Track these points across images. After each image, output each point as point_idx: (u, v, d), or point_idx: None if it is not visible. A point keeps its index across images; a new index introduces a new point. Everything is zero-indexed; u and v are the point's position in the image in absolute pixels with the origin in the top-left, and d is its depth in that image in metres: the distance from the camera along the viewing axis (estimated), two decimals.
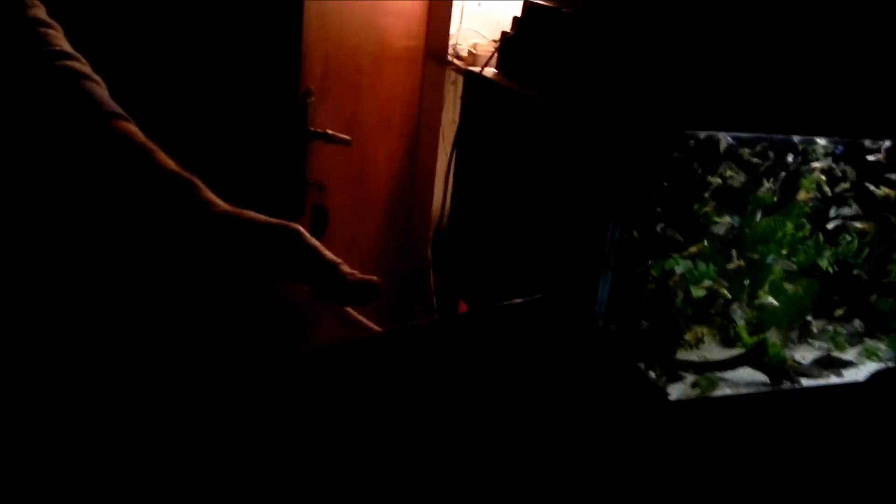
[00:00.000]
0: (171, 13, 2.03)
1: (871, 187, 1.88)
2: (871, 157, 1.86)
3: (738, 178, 1.77)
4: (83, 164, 0.80)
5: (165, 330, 0.80)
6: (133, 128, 0.86)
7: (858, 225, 1.91)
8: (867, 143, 1.88)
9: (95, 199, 0.80)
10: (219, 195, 0.95)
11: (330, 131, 2.39)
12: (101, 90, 0.88)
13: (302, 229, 0.80)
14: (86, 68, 0.88)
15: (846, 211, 1.90)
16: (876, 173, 1.91)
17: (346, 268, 0.79)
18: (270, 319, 0.79)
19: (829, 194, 1.90)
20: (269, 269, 0.78)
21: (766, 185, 1.84)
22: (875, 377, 1.30)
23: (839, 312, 2.01)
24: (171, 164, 0.84)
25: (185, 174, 0.83)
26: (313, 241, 0.80)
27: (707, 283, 1.81)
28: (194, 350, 0.78)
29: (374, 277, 0.78)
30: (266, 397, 0.69)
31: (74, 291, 0.89)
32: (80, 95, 0.84)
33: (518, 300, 0.88)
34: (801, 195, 1.88)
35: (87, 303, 0.88)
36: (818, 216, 1.92)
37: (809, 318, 1.98)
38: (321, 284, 0.78)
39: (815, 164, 1.85)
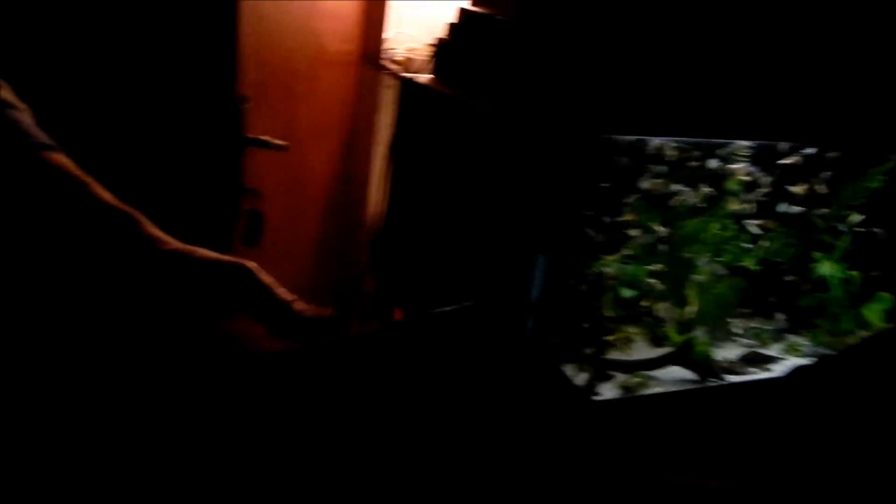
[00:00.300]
0: (100, 20, 2.01)
1: (791, 187, 1.94)
2: (787, 161, 1.93)
3: (664, 182, 1.82)
4: (16, 199, 0.77)
5: (108, 361, 0.79)
6: (65, 159, 0.82)
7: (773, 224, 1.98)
8: (786, 145, 1.95)
9: (31, 235, 0.78)
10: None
11: (265, 137, 2.38)
12: (28, 118, 0.84)
13: (256, 267, 0.79)
14: (9, 95, 0.85)
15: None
16: (796, 175, 1.98)
17: (300, 304, 0.78)
18: (221, 357, 0.79)
19: (751, 196, 1.96)
20: (221, 308, 0.77)
21: (692, 187, 1.89)
22: (795, 373, 1.35)
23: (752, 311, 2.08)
24: (109, 197, 0.81)
25: (126, 208, 0.81)
26: (268, 278, 0.79)
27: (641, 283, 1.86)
28: (139, 381, 0.78)
29: (329, 310, 0.78)
30: (209, 400, 0.70)
31: (14, 324, 0.86)
32: (6, 127, 0.81)
33: (449, 308, 0.90)
34: (729, 198, 1.94)
35: (29, 335, 0.86)
36: (742, 217, 1.98)
37: (734, 316, 2.04)
38: (275, 322, 0.77)
39: (739, 167, 1.91)
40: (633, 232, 1.83)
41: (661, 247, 1.92)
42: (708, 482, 1.28)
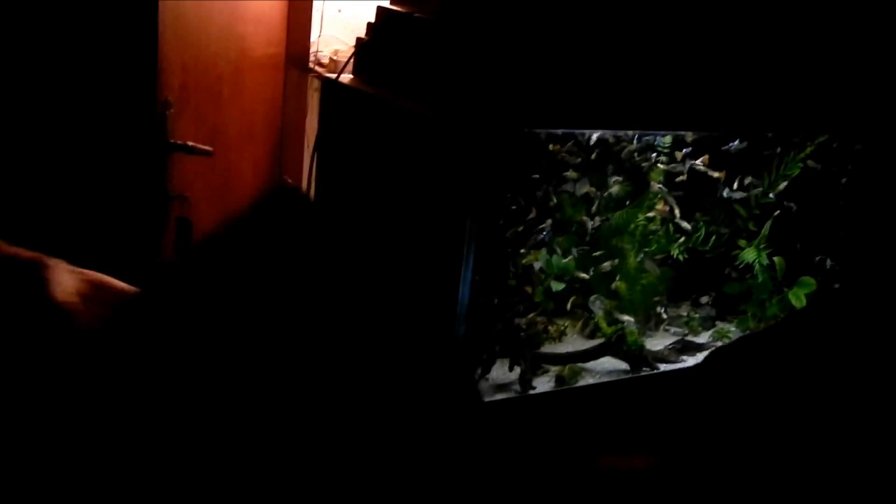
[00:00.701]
0: (16, 21, 1.96)
1: (703, 167, 1.97)
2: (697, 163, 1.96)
3: (588, 175, 1.83)
4: None
5: None
6: None
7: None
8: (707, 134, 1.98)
9: None
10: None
11: (191, 143, 2.35)
12: None
13: (49, 263, 0.74)
14: None
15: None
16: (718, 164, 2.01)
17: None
18: None
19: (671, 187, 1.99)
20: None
21: (616, 179, 1.91)
22: (710, 356, 1.37)
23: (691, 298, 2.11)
24: None
25: None
26: (51, 275, 0.74)
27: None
28: None
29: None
30: None
31: None
32: None
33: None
34: (652, 187, 1.96)
35: None
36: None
37: (664, 305, 2.07)
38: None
39: (661, 158, 1.93)
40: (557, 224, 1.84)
41: (589, 239, 1.93)
42: (633, 462, 1.30)
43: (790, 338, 1.25)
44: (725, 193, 2.00)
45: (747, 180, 2.02)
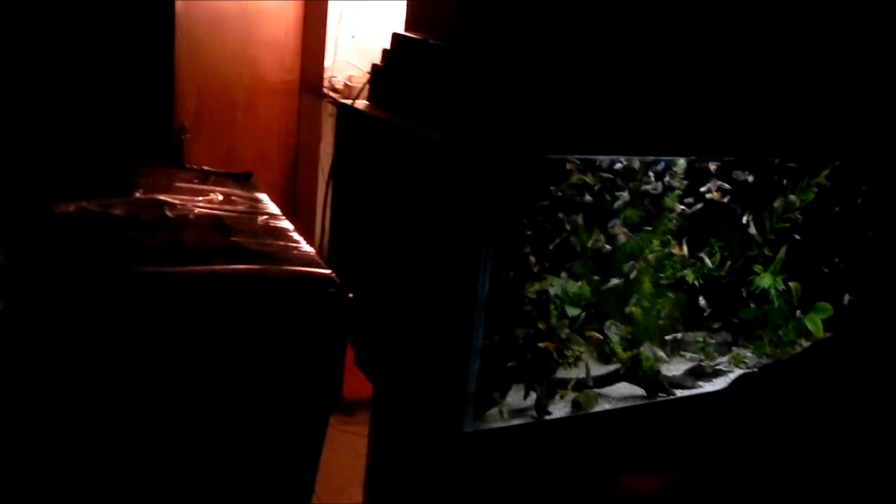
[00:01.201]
0: (37, 52, 1.98)
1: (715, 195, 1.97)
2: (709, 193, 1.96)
3: (603, 200, 1.84)
4: None
5: None
6: None
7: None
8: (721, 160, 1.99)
9: None
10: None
11: (206, 167, 2.36)
12: None
13: None
14: None
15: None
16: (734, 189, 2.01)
17: None
18: None
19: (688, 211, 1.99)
20: None
21: (631, 204, 1.91)
22: (735, 383, 1.37)
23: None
24: None
25: None
26: None
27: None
28: None
29: None
30: None
31: None
32: None
33: None
34: (668, 209, 1.96)
35: None
36: (682, 232, 2.00)
37: (679, 330, 2.06)
38: None
39: (676, 183, 1.93)
40: (574, 249, 1.84)
41: (605, 265, 1.93)
42: (651, 482, 1.30)
43: (815, 367, 1.24)
44: (745, 220, 2.01)
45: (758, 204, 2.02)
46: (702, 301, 2.07)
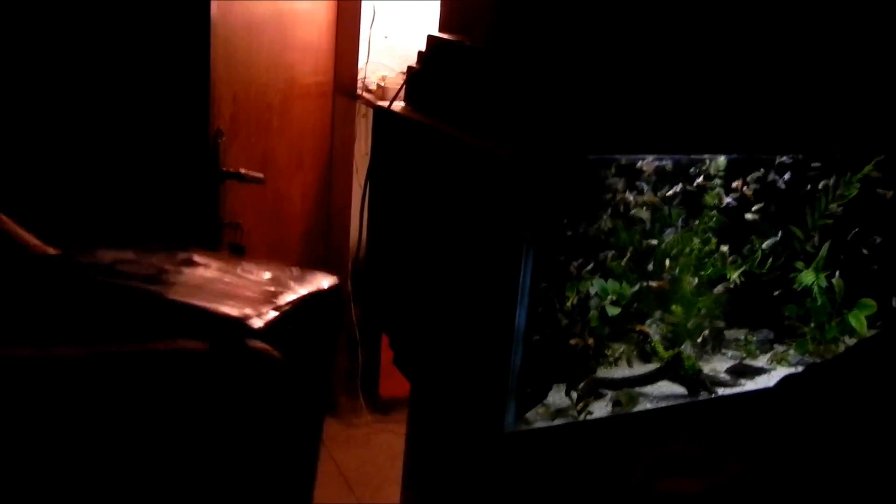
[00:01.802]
0: (78, 60, 2.01)
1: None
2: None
3: (644, 199, 1.83)
4: None
5: None
6: None
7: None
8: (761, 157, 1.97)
9: None
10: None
11: (243, 170, 2.38)
12: None
13: None
14: None
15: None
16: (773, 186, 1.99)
17: None
18: None
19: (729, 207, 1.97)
20: None
21: (671, 203, 1.90)
22: (780, 383, 1.35)
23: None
24: None
25: None
26: None
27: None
28: None
29: None
30: None
31: None
32: None
33: None
34: (707, 212, 1.95)
35: None
36: (722, 230, 1.99)
37: (720, 328, 2.05)
38: None
39: (716, 181, 1.92)
40: (614, 249, 1.83)
41: (645, 265, 1.92)
42: (689, 485, 1.28)
43: (860, 367, 1.23)
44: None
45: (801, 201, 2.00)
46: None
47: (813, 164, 1.99)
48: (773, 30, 1.75)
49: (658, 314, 1.96)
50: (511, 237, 1.57)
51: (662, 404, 1.91)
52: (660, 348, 1.94)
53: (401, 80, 2.12)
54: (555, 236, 1.72)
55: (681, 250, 1.92)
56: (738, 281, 2.01)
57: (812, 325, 2.08)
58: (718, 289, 1.99)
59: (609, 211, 1.82)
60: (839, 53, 1.81)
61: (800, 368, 2.05)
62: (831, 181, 2.00)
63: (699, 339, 2.01)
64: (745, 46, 1.73)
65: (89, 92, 2.05)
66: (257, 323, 0.73)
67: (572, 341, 1.82)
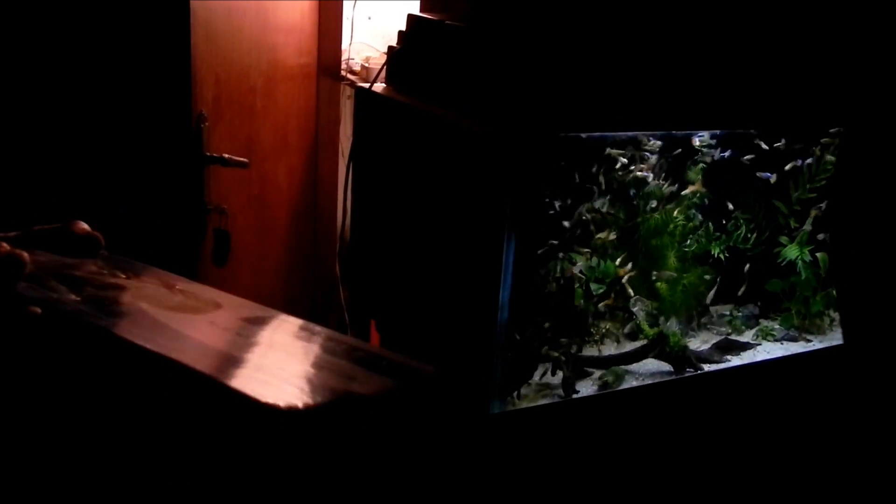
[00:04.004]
0: (52, 44, 1.98)
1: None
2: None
3: (625, 176, 1.82)
4: None
5: None
6: None
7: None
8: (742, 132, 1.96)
9: None
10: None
11: (226, 155, 2.36)
12: None
13: None
14: None
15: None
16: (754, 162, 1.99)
17: None
18: None
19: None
20: None
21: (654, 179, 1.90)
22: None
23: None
24: None
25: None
26: None
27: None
28: None
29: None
30: None
31: None
32: None
33: None
34: (690, 188, 1.94)
35: None
36: (706, 206, 1.99)
37: (705, 304, 2.05)
38: None
39: (698, 157, 1.91)
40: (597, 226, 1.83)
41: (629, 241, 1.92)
42: None
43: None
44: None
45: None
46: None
47: (794, 141, 1.98)
48: (748, 8, 1.74)
49: (643, 291, 1.96)
50: (492, 216, 1.57)
51: (649, 381, 1.91)
52: (645, 326, 1.94)
53: (383, 60, 2.10)
54: (537, 214, 1.71)
55: (664, 227, 1.92)
56: (722, 257, 2.01)
57: (796, 299, 2.08)
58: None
59: (593, 188, 1.81)
60: (821, 31, 1.81)
61: (785, 343, 2.06)
62: (811, 157, 2.00)
63: (684, 316, 2.01)
64: (719, 26, 1.72)
65: (65, 77, 2.03)
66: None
67: (556, 320, 1.82)
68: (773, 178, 1.97)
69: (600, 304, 1.88)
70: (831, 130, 1.97)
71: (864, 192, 1.28)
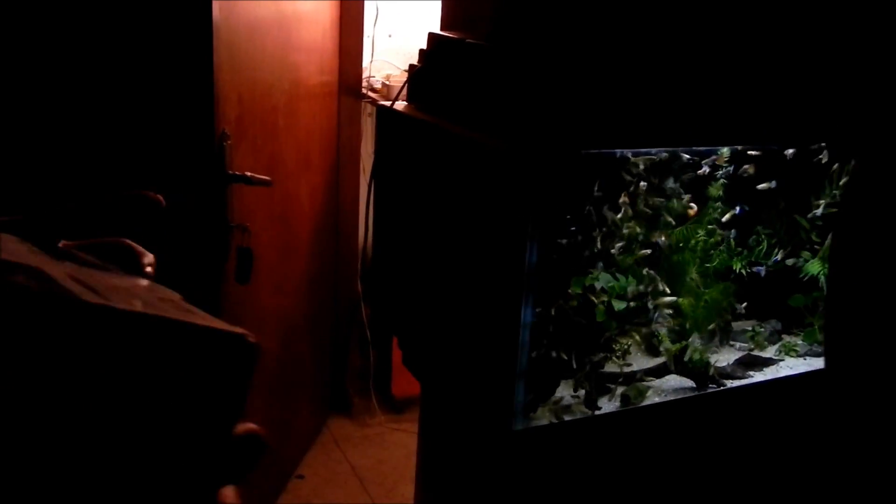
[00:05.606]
0: (78, 66, 2.02)
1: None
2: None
3: (647, 194, 1.82)
4: None
5: None
6: None
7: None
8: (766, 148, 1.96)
9: None
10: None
11: (249, 173, 2.38)
12: None
13: None
14: None
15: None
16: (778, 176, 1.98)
17: None
18: None
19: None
20: None
21: (677, 196, 1.90)
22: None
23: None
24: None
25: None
26: None
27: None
28: None
29: None
30: None
31: None
32: None
33: None
34: (712, 204, 1.94)
35: None
36: (728, 222, 1.98)
37: (728, 320, 2.04)
38: None
39: (720, 173, 1.91)
40: (619, 244, 1.83)
41: (650, 258, 1.92)
42: None
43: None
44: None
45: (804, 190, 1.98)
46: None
47: (818, 154, 1.98)
48: (766, 24, 1.75)
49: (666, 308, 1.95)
50: (514, 233, 1.58)
51: (671, 398, 1.91)
52: (667, 342, 1.93)
53: (405, 78, 2.12)
54: (559, 232, 1.72)
55: (686, 243, 1.92)
56: (744, 272, 2.00)
57: (819, 314, 2.07)
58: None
59: (619, 204, 1.81)
60: (827, 44, 1.81)
61: (808, 359, 2.05)
62: (834, 169, 2.00)
63: (706, 332, 2.01)
64: (740, 41, 1.73)
65: (91, 97, 2.06)
66: None
67: (579, 337, 1.82)
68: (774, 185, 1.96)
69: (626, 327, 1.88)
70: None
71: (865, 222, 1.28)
